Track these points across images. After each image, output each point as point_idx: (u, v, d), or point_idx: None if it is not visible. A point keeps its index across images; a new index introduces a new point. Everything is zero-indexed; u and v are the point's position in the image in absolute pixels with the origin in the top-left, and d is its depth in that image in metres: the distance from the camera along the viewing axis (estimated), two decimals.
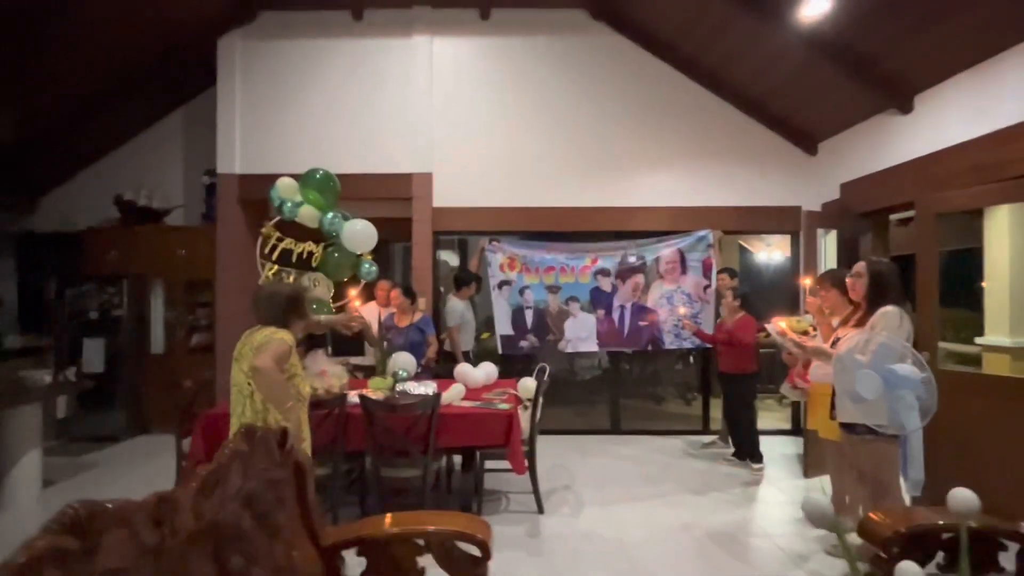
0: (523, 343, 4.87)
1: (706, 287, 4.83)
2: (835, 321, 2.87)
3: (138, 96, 5.35)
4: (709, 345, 4.60)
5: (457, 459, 3.61)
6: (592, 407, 5.67)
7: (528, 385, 3.36)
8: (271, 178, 4.95)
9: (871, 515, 1.82)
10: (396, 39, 5.01)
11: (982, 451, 2.96)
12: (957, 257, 5.14)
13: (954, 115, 3.35)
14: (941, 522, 1.73)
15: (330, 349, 3.62)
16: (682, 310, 4.62)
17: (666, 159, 5.08)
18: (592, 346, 4.90)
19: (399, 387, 3.11)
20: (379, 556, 1.80)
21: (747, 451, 4.00)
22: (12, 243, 5.66)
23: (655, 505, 3.36)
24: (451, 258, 6.85)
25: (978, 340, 4.15)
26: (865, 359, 2.11)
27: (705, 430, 5.04)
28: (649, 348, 4.94)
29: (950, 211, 3.22)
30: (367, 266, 3.31)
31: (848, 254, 4.19)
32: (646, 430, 5.12)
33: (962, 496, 1.15)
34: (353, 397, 2.88)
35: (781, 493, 3.57)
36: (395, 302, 4.05)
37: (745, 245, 7.84)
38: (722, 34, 4.37)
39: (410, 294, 4.07)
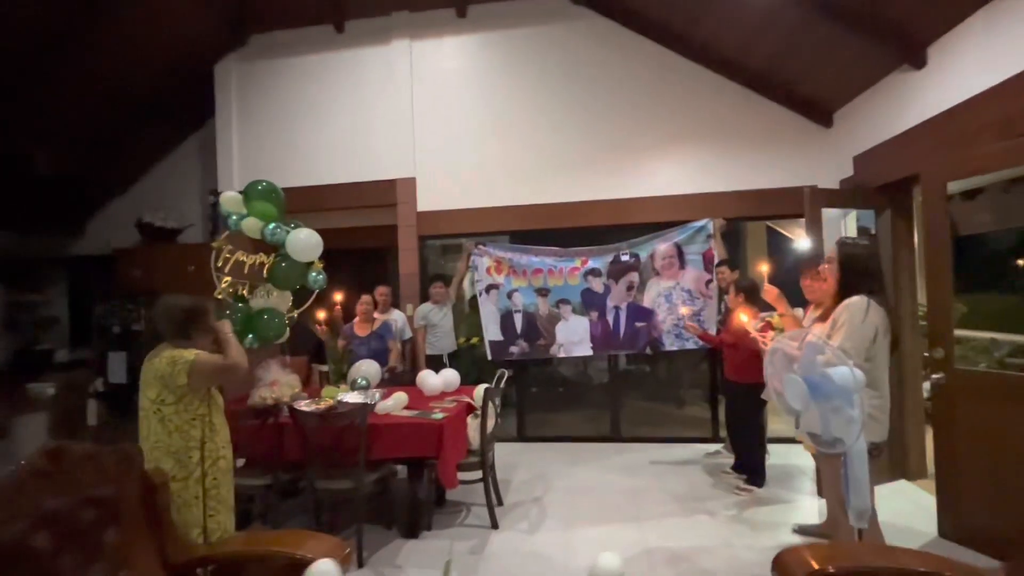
0: (513, 348, 4.68)
1: (708, 282, 4.41)
2: (816, 313, 2.47)
3: (157, 125, 5.79)
4: (712, 347, 4.17)
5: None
6: (601, 412, 5.34)
7: (480, 393, 3.19)
8: None
9: (784, 552, 1.51)
10: (376, 47, 5.04)
11: None
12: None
13: (972, 64, 2.78)
14: (874, 565, 1.39)
15: (288, 358, 3.66)
16: (684, 310, 4.20)
17: (664, 145, 4.71)
18: (586, 350, 4.62)
19: (339, 396, 3.06)
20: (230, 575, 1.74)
21: (747, 469, 3.56)
22: (64, 266, 6.31)
23: (625, 524, 3.06)
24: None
25: None
26: (798, 360, 1.75)
27: (715, 437, 4.59)
28: (648, 351, 4.58)
29: (964, 177, 2.65)
30: (315, 275, 3.29)
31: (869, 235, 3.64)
32: (650, 437, 4.74)
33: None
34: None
35: (779, 515, 3.12)
36: (360, 309, 4.07)
37: (780, 230, 7.11)
38: (708, 2, 3.97)
39: (374, 303, 4.09)
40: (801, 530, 2.85)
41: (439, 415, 2.82)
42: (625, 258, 4.53)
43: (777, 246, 7.10)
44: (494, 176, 4.90)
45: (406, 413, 2.91)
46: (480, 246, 4.69)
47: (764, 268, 2.46)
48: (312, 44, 5.14)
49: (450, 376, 3.50)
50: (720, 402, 4.57)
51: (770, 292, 2.40)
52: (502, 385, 3.33)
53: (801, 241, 6.96)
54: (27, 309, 6.08)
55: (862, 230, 3.99)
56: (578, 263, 4.58)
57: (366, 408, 2.69)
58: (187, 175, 6.05)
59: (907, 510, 3.10)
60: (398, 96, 4.98)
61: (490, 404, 3.10)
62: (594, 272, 4.56)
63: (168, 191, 6.07)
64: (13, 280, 6.02)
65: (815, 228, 3.51)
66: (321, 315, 3.67)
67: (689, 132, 4.66)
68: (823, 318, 2.11)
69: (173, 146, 6.07)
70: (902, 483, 3.50)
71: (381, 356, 3.91)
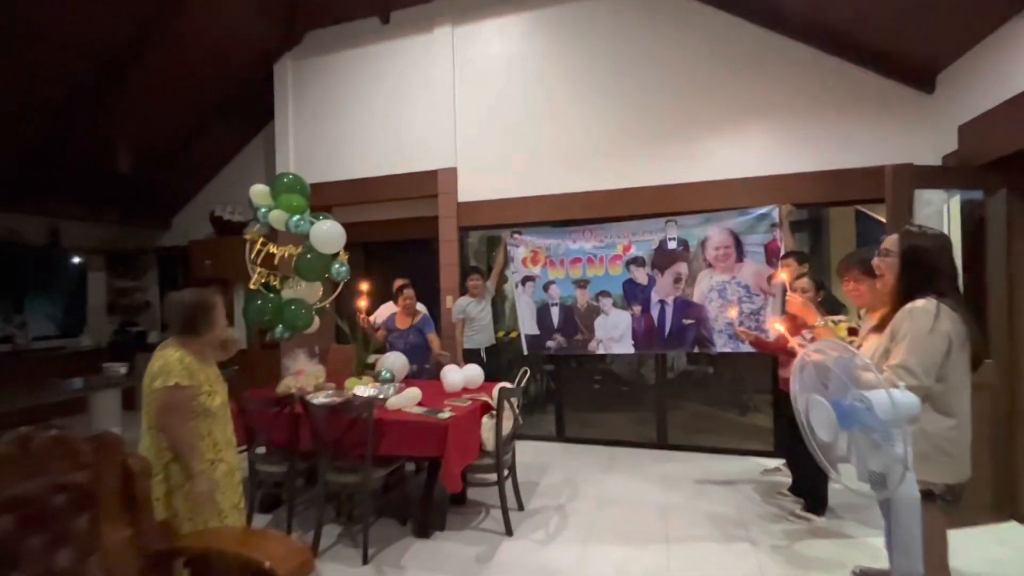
0: (549, 343, 4.47)
1: (770, 277, 3.89)
2: (871, 322, 2.03)
3: (230, 125, 6.21)
4: (771, 355, 3.68)
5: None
6: (650, 414, 4.95)
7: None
8: (318, 186, 5.34)
9: None
10: (419, 36, 4.98)
11: None
12: None
13: None
14: None
15: (317, 348, 3.71)
16: (731, 312, 3.73)
17: (725, 124, 4.21)
18: (627, 348, 4.29)
19: (355, 389, 3.04)
20: (201, 570, 1.74)
21: (805, 493, 3.10)
22: (155, 256, 7.01)
23: (650, 545, 2.76)
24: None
25: None
26: (828, 381, 1.40)
27: (777, 451, 4.07)
28: (696, 350, 4.16)
29: None
30: (338, 266, 3.30)
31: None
32: (700, 447, 4.32)
33: None
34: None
35: (839, 552, 2.66)
36: (403, 303, 3.98)
37: (876, 216, 6.16)
38: None
39: (415, 295, 4.00)
40: (863, 575, 2.40)
41: (446, 414, 2.70)
42: (672, 245, 4.12)
43: (870, 236, 6.19)
44: (537, 164, 4.67)
45: (416, 410, 2.82)
46: (516, 235, 4.51)
47: (784, 275, 2.05)
48: (360, 37, 5.20)
49: (472, 372, 3.37)
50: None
51: (792, 302, 1.99)
52: (523, 384, 3.15)
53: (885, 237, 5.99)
54: (126, 294, 6.82)
55: (970, 218, 3.27)
56: (619, 250, 4.25)
57: (372, 403, 2.63)
58: (254, 171, 6.43)
59: (1016, 560, 2.52)
60: (440, 84, 4.90)
61: (507, 405, 2.93)
62: (637, 261, 4.20)
63: (238, 186, 6.48)
64: (115, 268, 6.79)
65: (901, 217, 2.93)
66: (363, 305, 3.69)
67: (755, 107, 4.12)
68: (880, 328, 1.70)
69: (244, 143, 6.49)
70: (1012, 526, 2.86)
71: (418, 351, 3.85)
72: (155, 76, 5.08)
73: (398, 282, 4.12)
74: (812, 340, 2.00)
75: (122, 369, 4.17)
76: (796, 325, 2.42)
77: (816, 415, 1.34)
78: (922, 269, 1.65)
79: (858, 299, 2.00)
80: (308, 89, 5.44)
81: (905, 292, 1.66)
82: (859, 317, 2.06)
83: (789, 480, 3.46)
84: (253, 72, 5.57)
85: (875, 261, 1.83)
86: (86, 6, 4.23)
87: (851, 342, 1.93)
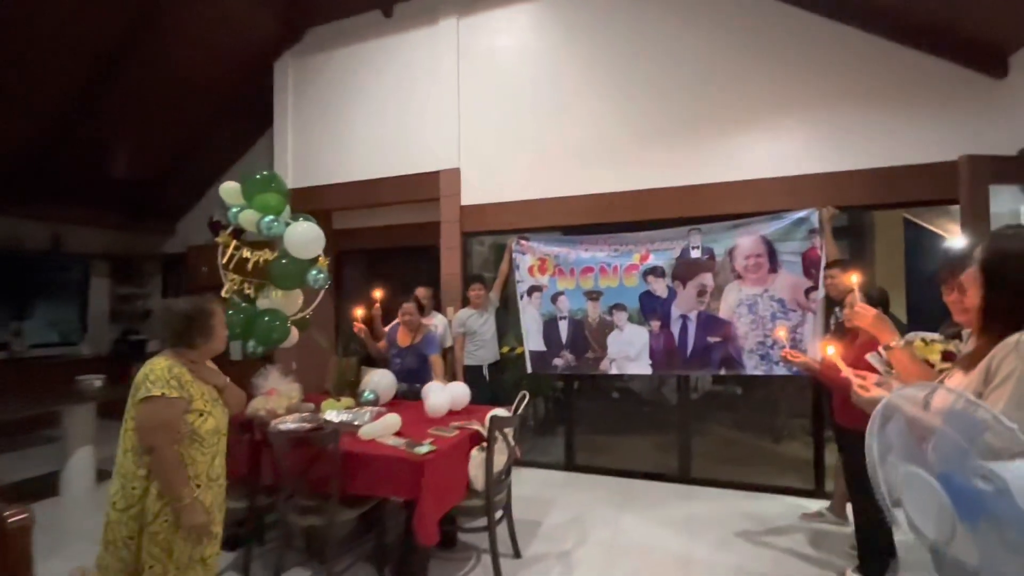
0: (557, 361, 4.04)
1: (809, 290, 3.39)
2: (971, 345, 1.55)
3: (232, 128, 6.01)
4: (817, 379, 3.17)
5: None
6: (671, 441, 4.45)
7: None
8: (318, 189, 5.08)
9: None
10: (422, 29, 4.68)
11: None
12: None
13: None
14: None
15: (294, 364, 3.36)
16: (780, 332, 3.16)
17: (759, 117, 3.74)
18: (644, 368, 3.82)
19: (327, 413, 2.67)
20: None
21: (860, 548, 2.56)
22: (158, 263, 6.85)
23: None
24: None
25: None
26: (929, 443, 0.95)
27: (819, 490, 3.54)
28: (723, 372, 3.66)
29: None
30: (315, 273, 2.95)
31: None
32: (729, 482, 3.80)
33: None
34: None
35: None
36: (404, 317, 3.52)
37: (926, 224, 5.57)
38: None
39: (420, 308, 3.60)
40: None
41: (425, 448, 2.29)
42: (696, 254, 3.66)
43: (919, 247, 5.58)
44: (547, 164, 4.28)
45: (391, 441, 2.42)
46: (523, 241, 4.11)
47: (854, 278, 1.61)
48: (361, 33, 4.93)
49: (458, 392, 2.94)
50: (828, 440, 3.52)
51: (863, 313, 1.53)
52: (520, 411, 2.72)
53: (956, 239, 5.39)
54: (128, 302, 6.67)
55: None
56: (636, 259, 3.80)
57: (337, 432, 2.25)
58: (259, 172, 6.20)
59: None
60: (444, 80, 4.57)
61: (500, 436, 2.51)
62: (656, 271, 3.75)
63: None
64: (118, 274, 6.64)
65: (978, 215, 2.43)
66: (359, 313, 3.34)
67: (791, 97, 3.65)
68: (971, 361, 1.22)
69: (249, 146, 6.29)
70: None
71: (416, 374, 3.43)
72: (155, 78, 4.90)
73: (419, 291, 3.76)
74: (888, 365, 1.53)
75: (97, 382, 3.90)
76: (856, 346, 1.94)
77: (915, 497, 0.90)
78: (1012, 285, 1.16)
79: (962, 315, 1.52)
80: (308, 88, 5.19)
81: (992, 317, 1.19)
82: (961, 339, 1.58)
83: (834, 528, 2.94)
84: (255, 72, 5.35)
85: (964, 277, 1.35)
86: (79, 4, 4.05)
87: (940, 372, 1.46)
